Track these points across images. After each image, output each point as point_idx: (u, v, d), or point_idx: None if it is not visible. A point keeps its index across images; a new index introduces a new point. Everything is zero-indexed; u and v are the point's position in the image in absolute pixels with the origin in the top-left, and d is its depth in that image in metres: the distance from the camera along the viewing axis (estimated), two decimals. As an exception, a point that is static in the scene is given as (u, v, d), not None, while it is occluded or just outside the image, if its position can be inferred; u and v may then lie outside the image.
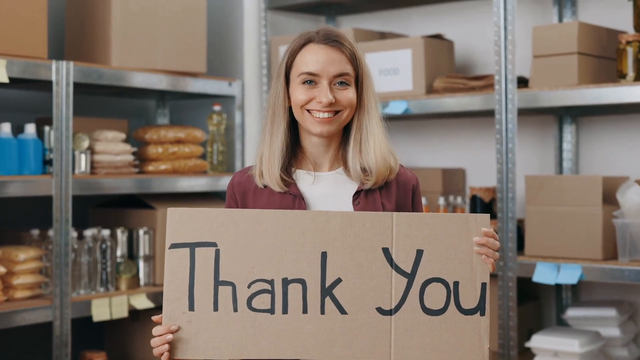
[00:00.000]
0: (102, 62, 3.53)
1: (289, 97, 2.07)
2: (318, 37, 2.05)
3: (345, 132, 2.10)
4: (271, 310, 1.88)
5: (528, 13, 3.89)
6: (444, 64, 3.81)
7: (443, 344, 1.88)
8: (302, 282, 1.88)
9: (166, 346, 1.88)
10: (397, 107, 3.64)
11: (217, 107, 3.97)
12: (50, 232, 3.36)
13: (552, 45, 3.38)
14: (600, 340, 3.41)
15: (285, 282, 1.88)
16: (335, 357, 1.87)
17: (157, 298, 3.58)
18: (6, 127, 3.24)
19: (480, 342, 1.88)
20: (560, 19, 3.82)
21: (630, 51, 3.21)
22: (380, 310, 1.88)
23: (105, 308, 3.42)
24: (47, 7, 3.35)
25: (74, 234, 3.41)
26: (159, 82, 3.66)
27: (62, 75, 3.30)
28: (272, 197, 2.06)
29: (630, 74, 3.21)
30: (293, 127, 2.10)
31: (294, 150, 2.11)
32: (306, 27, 2.42)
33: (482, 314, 1.89)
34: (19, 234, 3.48)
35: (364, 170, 2.06)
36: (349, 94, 2.04)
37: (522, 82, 3.51)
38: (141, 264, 3.67)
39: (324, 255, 1.89)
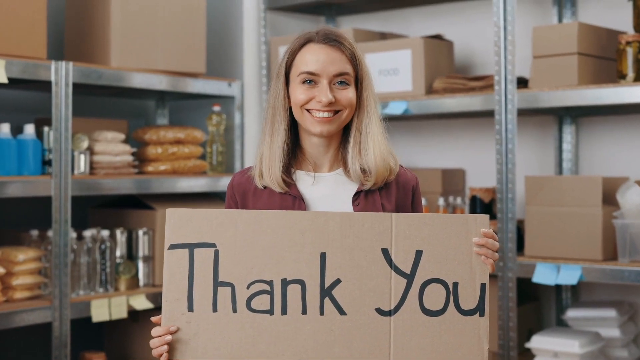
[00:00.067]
0: (102, 62, 3.53)
1: (289, 97, 2.07)
2: (318, 37, 2.05)
3: (344, 133, 2.10)
4: (270, 311, 1.88)
5: (528, 13, 3.88)
6: (443, 65, 3.80)
7: (442, 345, 1.88)
8: (301, 282, 1.88)
9: (165, 347, 1.87)
10: (396, 108, 3.64)
11: (216, 108, 3.97)
12: (50, 233, 3.35)
13: (552, 45, 3.37)
14: (600, 340, 3.41)
15: (285, 283, 1.88)
16: (334, 357, 1.87)
17: (156, 299, 3.58)
18: (5, 128, 3.24)
19: (479, 342, 1.88)
20: (560, 20, 3.82)
21: (630, 51, 3.20)
22: (379, 311, 1.88)
23: (105, 309, 3.42)
24: (47, 8, 3.35)
25: (73, 234, 3.41)
26: (159, 83, 3.66)
27: (62, 75, 3.29)
28: (272, 198, 2.06)
29: (630, 74, 3.20)
30: (293, 128, 2.10)
31: (293, 152, 2.10)
32: (306, 27, 2.42)
33: (482, 314, 1.89)
34: (18, 234, 3.48)
35: (363, 170, 2.06)
36: (348, 94, 2.04)
37: (522, 83, 3.51)
38: (140, 265, 3.67)
39: (323, 256, 1.88)
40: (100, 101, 4.10)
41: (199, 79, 3.84)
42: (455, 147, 4.15)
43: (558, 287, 3.83)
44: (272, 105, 2.09)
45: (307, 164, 2.10)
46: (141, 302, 3.54)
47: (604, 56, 3.44)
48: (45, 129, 3.35)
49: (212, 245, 1.89)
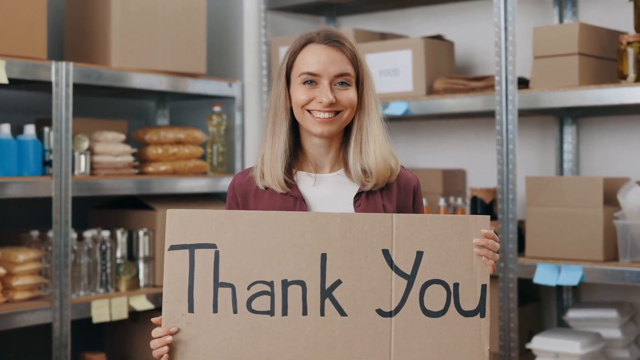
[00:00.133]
0: (102, 62, 3.53)
1: (290, 98, 2.07)
2: (319, 38, 2.05)
3: (345, 134, 2.10)
4: (271, 312, 1.88)
5: (528, 14, 3.88)
6: (444, 65, 3.80)
7: (443, 346, 1.88)
8: (301, 283, 1.88)
9: (166, 348, 1.87)
10: (397, 108, 3.64)
11: (217, 108, 3.96)
12: (50, 234, 3.35)
13: (552, 46, 3.37)
14: (601, 341, 3.40)
15: (285, 284, 1.88)
16: (335, 358, 1.87)
17: (156, 299, 3.57)
18: (6, 128, 3.23)
19: (480, 343, 1.88)
20: (561, 20, 3.82)
21: (631, 52, 3.20)
22: (380, 312, 1.88)
23: (105, 309, 3.41)
24: (47, 8, 3.34)
25: (74, 235, 3.40)
26: (159, 83, 3.66)
27: (62, 76, 3.29)
28: (273, 198, 2.06)
29: (631, 74, 3.20)
30: (294, 129, 2.10)
31: (295, 152, 2.10)
32: (306, 27, 2.42)
33: (482, 315, 1.88)
34: (18, 235, 3.48)
35: (364, 171, 2.06)
36: (349, 94, 2.04)
37: (523, 83, 3.50)
38: (141, 265, 3.67)
39: (323, 256, 1.88)
40: (100, 101, 4.10)
41: (199, 80, 3.84)
42: (455, 148, 4.15)
43: (559, 288, 3.82)
44: (273, 106, 2.09)
45: (308, 165, 2.10)
46: (142, 303, 3.54)
47: (605, 56, 3.44)
48: (46, 129, 3.35)
49: (213, 246, 1.89)
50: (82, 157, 3.43)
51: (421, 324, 1.88)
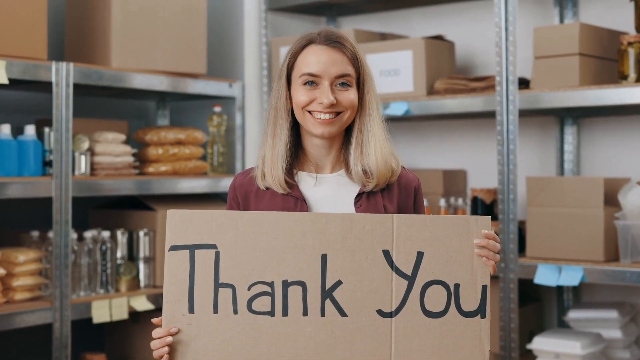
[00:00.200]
0: (102, 63, 3.53)
1: (290, 99, 2.07)
2: (319, 38, 2.04)
3: (346, 134, 2.10)
4: (271, 313, 1.87)
5: (529, 14, 3.88)
6: (444, 65, 3.80)
7: (444, 347, 1.87)
8: (302, 284, 1.87)
9: (166, 348, 1.87)
10: (397, 108, 3.64)
11: (217, 109, 3.96)
12: (50, 234, 3.35)
13: (553, 46, 3.37)
14: (601, 342, 3.40)
15: (286, 285, 1.88)
16: (335, 359, 1.86)
17: (157, 300, 3.57)
18: (6, 129, 3.23)
19: (481, 344, 1.88)
20: (562, 20, 3.82)
21: (631, 52, 3.20)
22: (380, 312, 1.87)
23: (105, 310, 3.41)
24: (47, 8, 3.34)
25: (74, 235, 3.40)
26: (159, 83, 3.66)
27: (62, 76, 3.29)
28: (274, 199, 2.06)
29: (632, 75, 3.20)
30: (295, 129, 2.10)
31: (295, 153, 2.10)
32: (307, 28, 2.42)
33: (483, 316, 1.88)
34: (18, 235, 3.47)
35: (365, 172, 2.05)
36: (350, 95, 2.04)
37: (523, 83, 3.50)
38: (141, 266, 3.66)
39: (324, 257, 1.88)
40: (100, 102, 4.09)
41: (199, 80, 3.84)
42: (456, 148, 4.14)
43: (559, 288, 3.82)
44: (274, 106, 2.09)
45: (309, 165, 2.10)
46: (142, 303, 3.54)
47: (606, 57, 3.44)
48: (46, 129, 3.35)
49: (213, 246, 1.89)
50: (83, 158, 3.43)
51: (422, 325, 1.88)
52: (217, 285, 1.88)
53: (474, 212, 3.68)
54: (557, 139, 3.85)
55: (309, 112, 2.03)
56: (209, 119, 3.98)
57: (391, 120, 2.17)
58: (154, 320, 1.94)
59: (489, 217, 1.92)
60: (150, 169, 3.73)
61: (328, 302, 1.87)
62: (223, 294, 1.88)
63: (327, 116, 2.02)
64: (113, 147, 3.57)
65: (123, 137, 3.64)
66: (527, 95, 3.38)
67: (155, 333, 1.89)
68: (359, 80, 2.06)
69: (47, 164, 3.32)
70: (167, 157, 3.77)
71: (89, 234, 3.48)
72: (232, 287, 1.88)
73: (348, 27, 4.40)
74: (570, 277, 3.23)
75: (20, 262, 3.22)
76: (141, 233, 3.65)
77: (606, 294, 3.75)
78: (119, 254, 3.61)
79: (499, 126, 3.43)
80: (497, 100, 3.43)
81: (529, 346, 3.44)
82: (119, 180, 3.52)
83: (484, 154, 3.99)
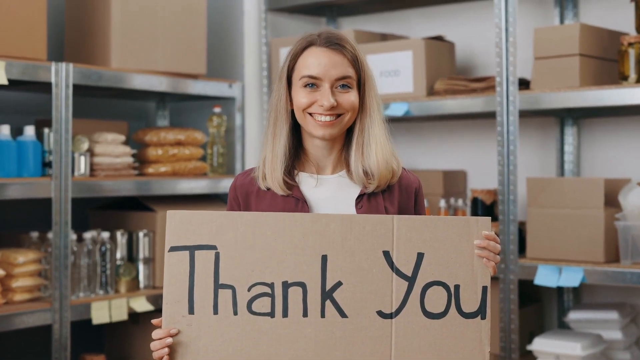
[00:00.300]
0: (102, 63, 3.52)
1: (291, 100, 2.07)
2: (320, 40, 2.04)
3: (348, 135, 2.10)
4: (271, 314, 1.87)
5: (529, 14, 3.88)
6: (445, 66, 3.79)
7: (444, 348, 1.87)
8: (302, 285, 1.87)
9: (166, 350, 1.87)
10: (397, 109, 3.63)
11: (217, 109, 3.96)
12: (50, 235, 3.35)
13: (553, 46, 3.37)
14: (602, 343, 3.40)
15: (286, 286, 1.87)
16: (335, 360, 1.86)
17: (156, 301, 3.57)
18: (5, 129, 3.23)
19: (481, 345, 1.87)
20: (562, 21, 3.81)
21: (632, 53, 3.20)
22: (380, 313, 1.87)
23: (105, 311, 3.41)
24: (47, 8, 3.34)
25: (74, 236, 3.40)
26: (159, 84, 3.66)
27: (62, 76, 3.29)
28: (274, 199, 2.06)
29: (632, 75, 3.19)
30: (296, 130, 2.10)
31: (297, 153, 2.10)
32: (307, 28, 2.42)
33: (483, 317, 1.88)
34: (18, 236, 3.47)
35: (366, 173, 2.05)
36: (350, 97, 2.03)
37: (524, 84, 3.50)
38: (141, 267, 3.66)
39: (324, 258, 1.88)
40: (100, 102, 4.09)
41: (199, 80, 3.83)
42: (456, 149, 4.14)
43: (560, 289, 3.82)
44: (274, 108, 2.09)
45: (310, 166, 2.10)
46: (142, 304, 3.53)
47: (606, 57, 3.43)
48: (46, 130, 3.34)
49: (213, 247, 1.89)
50: (82, 158, 3.43)
51: (422, 326, 1.87)
52: (217, 286, 1.88)
53: (474, 213, 3.67)
54: (558, 140, 3.84)
55: (310, 114, 2.03)
56: (209, 120, 3.98)
57: (391, 120, 2.17)
58: (154, 321, 1.93)
59: (489, 218, 1.91)
60: (150, 170, 3.73)
61: (328, 303, 1.87)
62: (223, 295, 1.87)
63: (327, 118, 2.02)
64: (113, 148, 3.56)
65: (123, 137, 3.64)
66: (528, 95, 3.38)
67: (155, 334, 1.88)
68: (360, 81, 2.06)
69: (47, 164, 3.32)
70: (166, 158, 3.77)
71: (88, 235, 3.47)
72: (232, 288, 1.87)
73: (348, 27, 4.40)
74: (571, 278, 3.23)
75: (20, 263, 3.21)
76: (141, 234, 3.65)
77: (606, 295, 3.74)
78: (118, 255, 3.61)
79: (499, 127, 3.43)
80: (497, 101, 3.42)
81: (529, 347, 3.44)
82: (119, 181, 3.51)
83: (484, 155, 3.99)
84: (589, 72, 3.35)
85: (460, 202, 3.80)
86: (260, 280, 1.87)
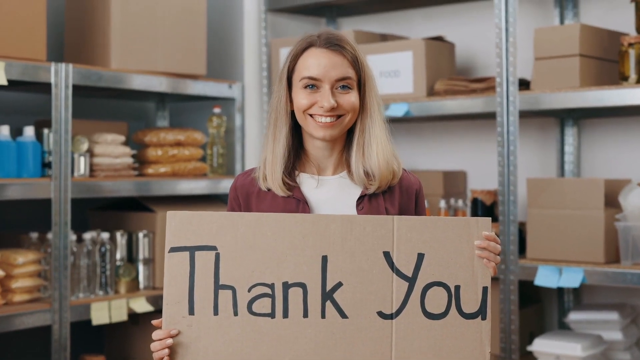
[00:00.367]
0: (102, 64, 3.52)
1: (291, 101, 2.07)
2: (319, 41, 2.04)
3: (348, 136, 2.10)
4: (272, 315, 1.87)
5: (529, 15, 3.87)
6: (445, 66, 3.79)
7: (444, 348, 1.87)
8: (302, 286, 1.87)
9: (166, 350, 1.86)
10: (397, 110, 3.63)
11: (217, 110, 3.96)
12: (49, 235, 3.34)
13: (553, 47, 3.36)
14: (602, 343, 3.39)
15: (286, 286, 1.87)
16: (336, 361, 1.86)
17: (156, 301, 3.56)
18: (5, 130, 3.23)
19: (481, 346, 1.87)
20: (562, 21, 3.81)
21: (632, 53, 3.19)
22: (381, 314, 1.87)
23: (105, 311, 3.41)
24: (47, 9, 3.34)
25: (73, 237, 3.40)
26: (159, 85, 3.65)
27: (61, 77, 3.28)
28: (275, 200, 2.06)
29: (633, 76, 3.19)
30: (296, 131, 2.09)
31: (297, 154, 2.10)
32: (307, 29, 2.41)
33: (484, 318, 1.88)
34: (17, 237, 3.47)
35: (367, 174, 2.05)
36: (351, 98, 2.03)
37: (524, 85, 3.50)
38: (141, 267, 3.66)
39: (324, 259, 1.87)
40: (100, 103, 4.09)
41: (199, 81, 3.83)
42: (456, 149, 4.14)
43: (560, 290, 3.82)
44: (274, 109, 2.08)
45: (311, 167, 2.09)
46: (141, 305, 3.53)
47: (606, 58, 3.43)
48: (45, 131, 3.34)
49: (213, 248, 1.88)
50: (82, 159, 3.42)
51: (422, 327, 1.87)
52: (217, 286, 1.87)
53: (474, 213, 3.67)
54: (558, 140, 3.84)
55: (310, 115, 2.03)
56: (209, 120, 3.98)
57: (391, 121, 2.17)
58: (154, 322, 1.93)
59: (489, 219, 1.91)
60: (150, 170, 3.73)
61: (328, 303, 1.87)
62: (223, 296, 1.87)
63: (328, 119, 2.01)
64: (112, 149, 3.56)
65: (122, 138, 3.63)
66: (528, 96, 3.38)
67: (155, 335, 1.88)
68: (360, 82, 2.06)
69: (46, 165, 3.32)
70: (166, 159, 3.76)
71: (88, 236, 3.47)
72: (233, 288, 1.87)
73: (348, 28, 4.40)
74: (571, 278, 3.22)
75: (19, 264, 3.21)
76: (140, 234, 3.64)
77: (607, 295, 3.74)
78: (118, 256, 3.60)
79: (499, 127, 3.42)
80: (498, 102, 3.42)
81: (530, 348, 3.43)
82: (119, 181, 3.51)
83: (484, 155, 3.98)
84: (589, 72, 3.34)
85: (460, 202, 3.80)
86: (260, 281, 1.87)
